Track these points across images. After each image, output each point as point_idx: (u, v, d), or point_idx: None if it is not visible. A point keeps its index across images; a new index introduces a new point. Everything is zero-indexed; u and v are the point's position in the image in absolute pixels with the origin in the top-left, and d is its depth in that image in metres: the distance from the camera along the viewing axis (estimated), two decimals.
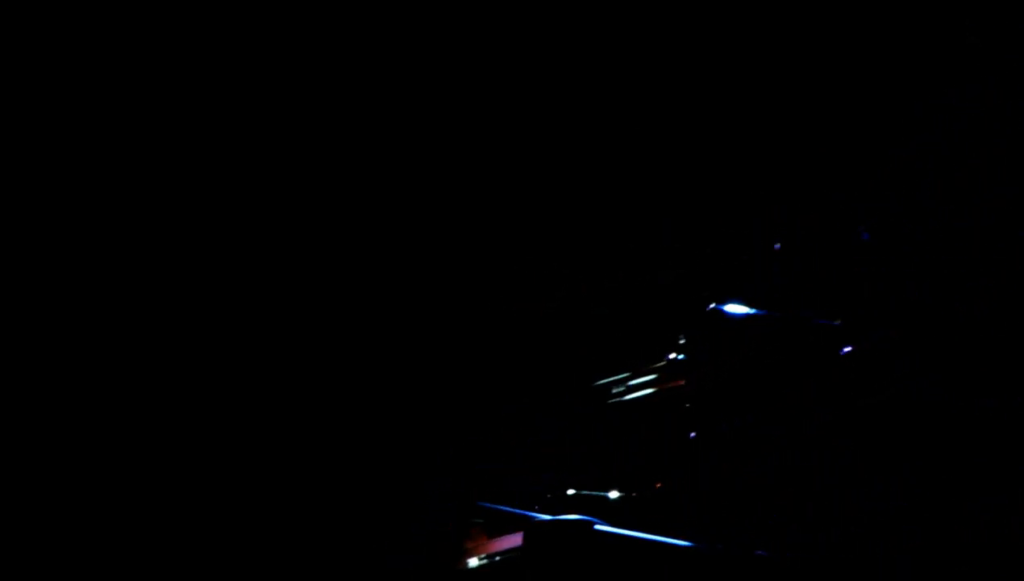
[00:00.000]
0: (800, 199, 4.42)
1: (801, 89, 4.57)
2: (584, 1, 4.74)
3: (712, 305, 3.91)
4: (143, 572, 4.40)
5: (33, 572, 4.35)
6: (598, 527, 3.26)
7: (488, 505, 3.82)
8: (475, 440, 4.53)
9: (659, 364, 4.01)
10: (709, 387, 3.89)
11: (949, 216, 3.99)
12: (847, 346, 3.73)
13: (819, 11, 4.54)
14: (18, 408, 4.48)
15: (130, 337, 4.61)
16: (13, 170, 4.59)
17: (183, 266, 4.68)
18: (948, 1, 4.35)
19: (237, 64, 4.72)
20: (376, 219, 4.81)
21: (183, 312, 4.66)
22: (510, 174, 4.82)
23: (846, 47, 4.50)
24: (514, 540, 3.54)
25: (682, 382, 3.90)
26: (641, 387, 4.06)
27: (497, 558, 3.63)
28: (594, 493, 3.75)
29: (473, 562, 3.71)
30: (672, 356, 3.97)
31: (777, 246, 4.03)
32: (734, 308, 3.91)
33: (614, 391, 4.14)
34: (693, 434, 3.79)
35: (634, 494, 3.74)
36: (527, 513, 3.61)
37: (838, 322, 3.78)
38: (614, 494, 3.78)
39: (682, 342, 3.95)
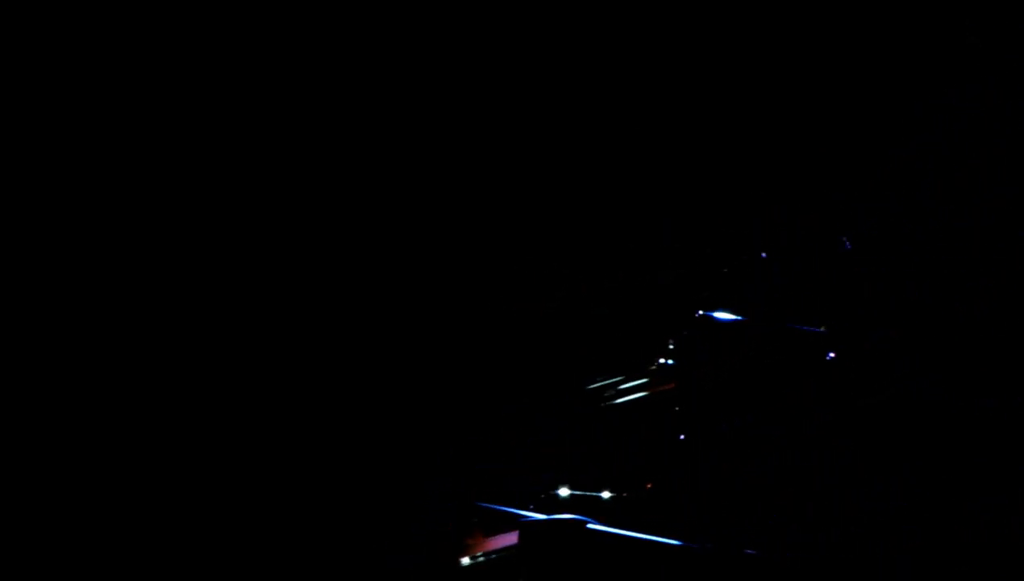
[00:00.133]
0: (800, 199, 4.42)
1: (801, 89, 4.57)
2: (584, 1, 4.74)
3: (704, 310, 3.93)
4: (143, 572, 4.40)
5: (33, 572, 4.35)
6: (591, 526, 3.32)
7: (485, 505, 3.87)
8: (475, 440, 4.53)
9: (654, 367, 4.03)
10: (707, 388, 3.90)
11: (949, 216, 3.99)
12: (842, 348, 3.73)
13: (819, 11, 4.54)
14: (18, 408, 4.48)
15: (130, 337, 4.61)
16: (13, 170, 4.59)
17: (183, 266, 4.68)
18: (948, 1, 4.35)
19: (237, 64, 4.72)
20: (376, 220, 4.81)
21: (183, 312, 4.66)
22: (510, 174, 4.82)
23: (846, 47, 4.50)
24: (510, 539, 3.57)
25: (674, 385, 3.94)
26: (636, 390, 4.08)
27: (493, 556, 3.67)
28: (588, 493, 3.79)
29: (470, 560, 3.76)
30: (663, 361, 4.00)
31: (764, 255, 4.05)
32: (727, 312, 3.93)
33: (609, 393, 4.16)
34: (683, 436, 3.81)
35: (625, 494, 3.78)
36: (523, 512, 3.65)
37: (835, 324, 3.79)
38: (607, 494, 3.82)
39: (672, 347, 3.98)
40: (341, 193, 4.80)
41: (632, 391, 4.07)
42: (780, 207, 4.42)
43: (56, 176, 4.63)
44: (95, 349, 4.57)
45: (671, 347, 3.99)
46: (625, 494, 3.80)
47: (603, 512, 3.59)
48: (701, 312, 3.90)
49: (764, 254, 4.02)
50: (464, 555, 3.81)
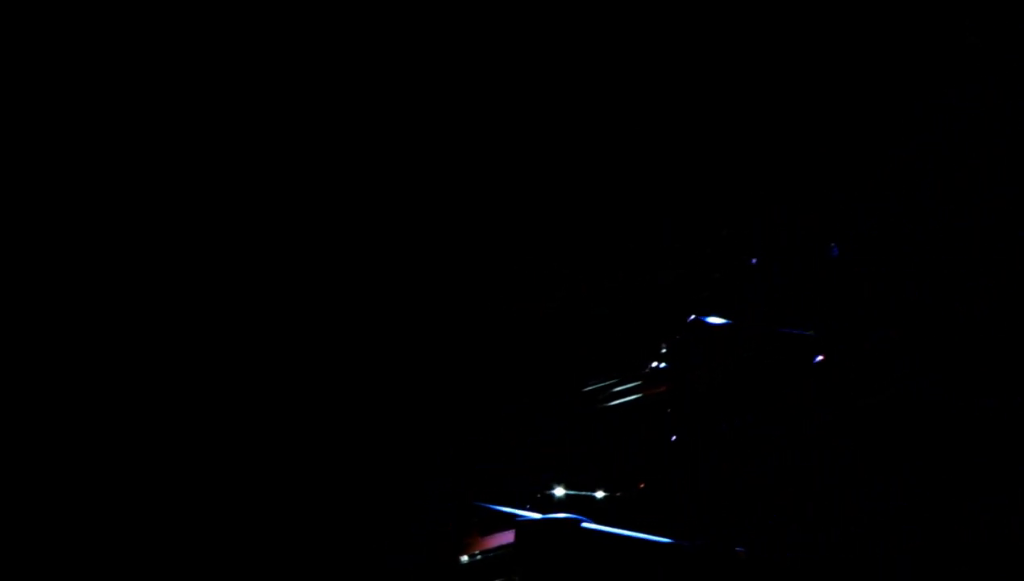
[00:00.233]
0: (800, 199, 4.42)
1: (801, 89, 4.57)
2: (585, 2, 4.74)
3: (701, 312, 3.95)
4: (143, 572, 4.40)
5: (33, 572, 4.35)
6: (585, 525, 3.39)
7: (482, 504, 3.91)
8: (475, 440, 4.53)
9: (648, 370, 4.05)
10: (702, 390, 3.91)
11: (949, 216, 3.98)
12: (842, 348, 3.73)
13: (819, 12, 4.54)
14: (18, 408, 4.48)
15: (130, 338, 4.61)
16: (13, 170, 4.59)
17: (184, 267, 4.68)
18: (948, 1, 4.35)
19: (237, 65, 4.72)
20: (377, 220, 4.81)
21: (184, 313, 4.66)
22: (510, 175, 4.82)
23: (846, 47, 4.50)
24: (507, 537, 3.63)
25: (667, 387, 3.97)
26: (630, 391, 4.10)
27: (491, 555, 3.73)
28: (583, 493, 3.84)
29: (468, 559, 3.82)
30: (656, 364, 4.02)
31: (753, 261, 4.06)
32: (722, 315, 3.95)
33: (605, 394, 4.17)
34: (678, 436, 3.84)
35: (619, 494, 3.83)
36: (519, 512, 3.70)
37: (827, 327, 3.79)
38: (601, 494, 3.87)
39: (664, 350, 4.00)
40: (342, 194, 4.80)
41: (627, 393, 4.09)
42: (780, 207, 4.42)
43: (56, 176, 4.63)
44: (95, 349, 4.57)
45: (664, 351, 4.01)
46: (619, 494, 3.85)
47: (597, 511, 3.64)
48: (694, 316, 3.93)
49: (754, 260, 4.04)
50: (463, 554, 3.87)
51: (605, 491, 3.85)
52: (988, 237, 3.84)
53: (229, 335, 4.67)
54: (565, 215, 4.78)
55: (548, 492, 3.89)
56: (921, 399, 3.56)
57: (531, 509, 3.82)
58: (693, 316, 3.94)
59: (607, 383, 4.16)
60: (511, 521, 3.59)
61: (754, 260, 4.05)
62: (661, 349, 4.02)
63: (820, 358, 3.74)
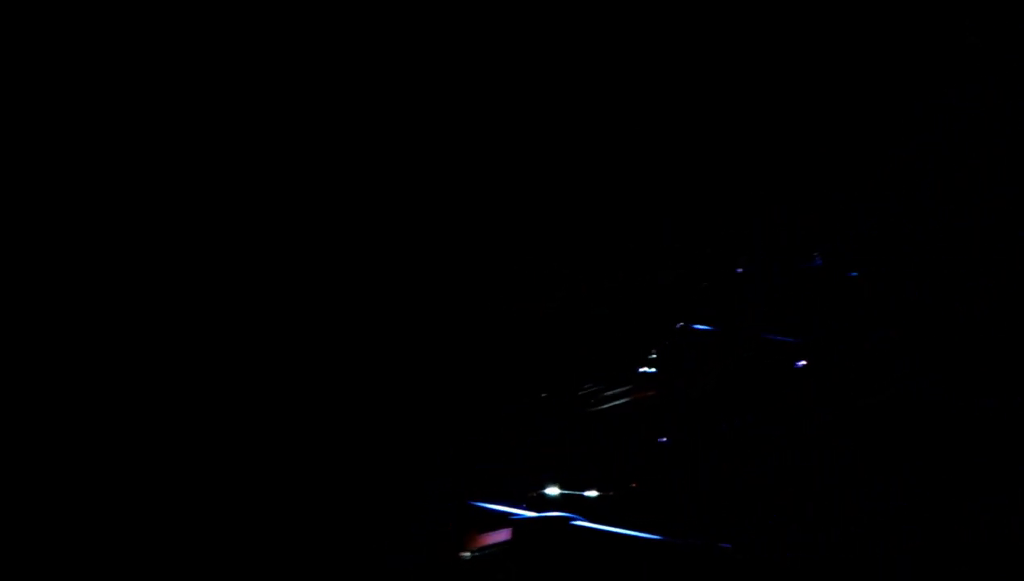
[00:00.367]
0: (800, 199, 4.42)
1: (801, 89, 4.57)
2: (584, 1, 4.74)
3: (692, 316, 3.98)
4: (143, 572, 4.40)
5: (33, 572, 4.35)
6: (577, 523, 3.49)
7: (479, 504, 3.97)
8: (475, 440, 4.54)
9: (639, 373, 4.08)
10: (694, 393, 3.93)
11: (949, 216, 3.99)
12: (839, 350, 3.74)
13: (819, 11, 4.54)
14: (18, 408, 4.48)
15: (129, 337, 4.61)
16: (13, 170, 4.59)
17: (182, 266, 4.68)
18: (948, 1, 4.35)
19: (237, 64, 4.72)
20: (376, 219, 4.81)
21: (183, 313, 4.66)
22: (510, 174, 4.82)
23: (846, 47, 4.50)
24: (502, 535, 3.71)
25: (655, 391, 4.01)
26: (622, 395, 4.13)
27: (487, 552, 3.81)
28: (576, 493, 3.91)
29: (465, 556, 3.91)
30: (646, 370, 4.06)
31: (738, 270, 4.09)
32: (718, 316, 3.98)
33: (600, 396, 4.20)
34: (670, 438, 3.88)
35: (610, 493, 3.88)
36: (514, 511, 3.77)
37: (812, 335, 3.81)
38: (594, 493, 3.93)
39: (656, 355, 4.04)
40: (340, 193, 4.80)
41: (619, 396, 4.12)
42: (780, 207, 4.42)
43: (56, 176, 4.63)
44: (95, 349, 4.57)
45: (654, 356, 4.04)
46: (610, 493, 3.91)
47: (589, 510, 3.72)
48: (682, 324, 3.98)
49: (739, 269, 4.08)
50: (462, 551, 3.94)
51: (597, 491, 3.91)
52: (988, 237, 3.85)
53: (228, 335, 4.67)
54: (565, 215, 4.78)
55: (542, 491, 3.96)
56: (921, 399, 3.57)
57: (526, 508, 3.88)
58: (681, 324, 3.99)
59: (600, 386, 4.20)
60: (507, 520, 3.66)
61: (739, 269, 4.08)
62: (653, 353, 4.06)
63: (802, 363, 3.75)
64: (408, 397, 4.69)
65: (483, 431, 4.55)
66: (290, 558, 4.47)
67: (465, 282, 4.81)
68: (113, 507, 4.46)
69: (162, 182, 4.71)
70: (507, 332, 4.75)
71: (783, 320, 3.92)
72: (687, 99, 4.71)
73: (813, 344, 3.82)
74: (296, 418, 4.63)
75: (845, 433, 3.63)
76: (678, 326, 3.98)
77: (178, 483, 4.50)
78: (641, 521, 3.63)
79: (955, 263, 3.83)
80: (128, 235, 4.67)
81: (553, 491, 3.96)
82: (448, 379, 4.72)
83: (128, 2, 4.63)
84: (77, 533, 4.42)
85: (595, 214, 4.77)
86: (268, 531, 4.48)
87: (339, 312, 4.76)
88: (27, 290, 4.56)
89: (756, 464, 3.71)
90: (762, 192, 4.53)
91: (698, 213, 4.65)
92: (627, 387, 4.10)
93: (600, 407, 4.17)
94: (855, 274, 3.95)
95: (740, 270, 4.09)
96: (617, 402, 4.12)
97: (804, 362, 3.80)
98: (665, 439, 3.91)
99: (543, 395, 4.45)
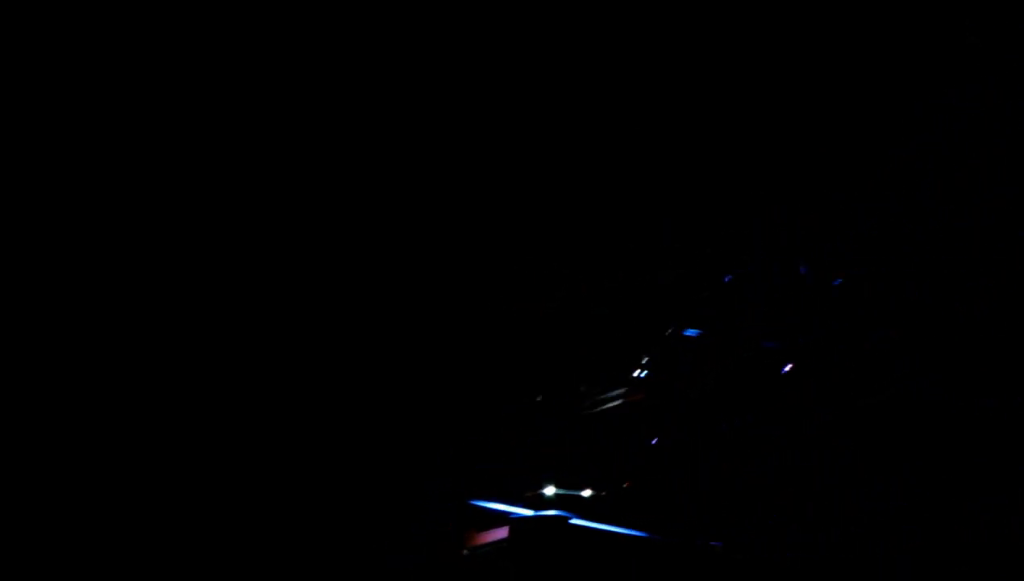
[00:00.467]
0: (800, 199, 4.42)
1: (801, 89, 4.57)
2: (584, 1, 4.74)
3: (689, 317, 4.01)
4: (143, 572, 4.40)
5: (33, 572, 4.35)
6: (573, 521, 3.57)
7: (478, 503, 4.01)
8: (475, 440, 4.54)
9: (631, 377, 4.10)
10: (681, 396, 3.94)
11: (949, 216, 3.99)
12: (839, 350, 3.75)
13: (819, 11, 4.54)
14: (18, 408, 4.48)
15: (129, 338, 4.61)
16: (13, 170, 4.59)
17: (183, 267, 4.68)
18: (948, 1, 4.35)
19: (237, 64, 4.72)
20: (376, 220, 4.81)
21: (183, 313, 4.66)
22: (510, 174, 4.82)
23: (846, 47, 4.50)
24: (500, 533, 3.77)
25: (646, 395, 4.04)
26: (616, 398, 4.14)
27: (486, 549, 3.87)
28: (571, 492, 3.96)
29: (467, 552, 3.97)
30: (639, 373, 4.08)
31: (728, 278, 4.10)
32: (717, 318, 4.00)
33: (593, 400, 4.21)
34: (654, 441, 3.90)
35: (603, 493, 3.92)
36: (512, 510, 3.81)
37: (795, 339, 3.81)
38: (588, 493, 3.97)
39: (647, 360, 4.06)
40: (340, 194, 4.80)
41: (613, 399, 4.15)
42: (780, 207, 4.42)
43: (56, 176, 4.64)
44: (94, 350, 4.57)
45: (648, 359, 4.06)
46: (604, 493, 3.94)
47: (584, 509, 3.77)
48: (672, 330, 4.01)
49: (728, 277, 4.10)
50: (462, 549, 4.00)
51: (592, 490, 3.96)
52: (988, 237, 3.85)
53: (228, 335, 4.67)
54: (565, 215, 4.78)
55: (539, 491, 4.01)
56: (921, 399, 3.57)
57: (523, 506, 3.92)
58: (671, 330, 4.02)
59: (597, 388, 4.22)
60: (504, 518, 3.73)
61: (728, 277, 4.10)
62: (646, 358, 4.09)
63: (802, 364, 3.76)
64: (408, 397, 4.69)
65: (483, 431, 4.55)
66: (290, 558, 4.47)
67: (465, 282, 4.81)
68: (113, 507, 4.46)
69: (162, 182, 4.71)
70: (507, 332, 4.75)
71: (782, 320, 3.93)
72: (687, 99, 4.71)
73: (812, 345, 3.82)
74: (296, 418, 4.63)
75: (845, 433, 3.63)
76: (668, 332, 4.00)
77: (178, 483, 4.50)
78: (635, 520, 3.68)
79: (955, 263, 3.83)
80: (128, 235, 4.67)
81: (550, 491, 4.01)
82: (448, 379, 4.72)
83: (128, 2, 4.63)
84: (77, 533, 4.42)
85: (595, 214, 4.77)
86: (268, 531, 4.48)
87: (339, 313, 4.76)
88: (27, 290, 4.56)
89: (756, 464, 3.71)
90: (762, 192, 4.53)
91: (698, 213, 4.65)
92: (623, 389, 4.12)
93: (597, 409, 4.18)
94: (850, 276, 3.96)
95: (733, 274, 4.11)
96: (613, 404, 4.14)
97: (802, 363, 3.80)
98: (655, 440, 3.93)
99: (542, 397, 4.45)
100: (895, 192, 4.19)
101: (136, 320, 4.63)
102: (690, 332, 4.01)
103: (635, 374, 4.09)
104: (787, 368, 3.79)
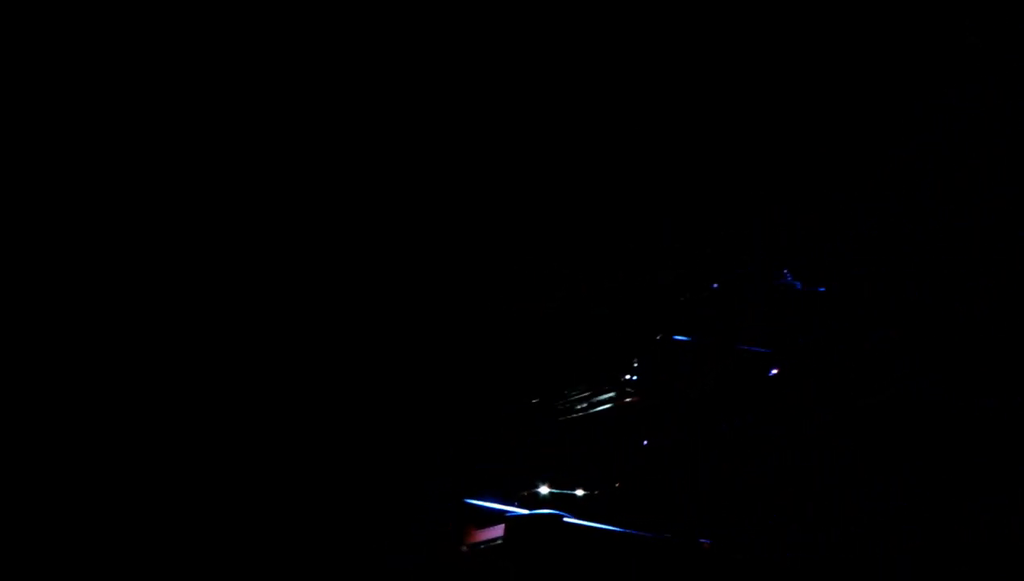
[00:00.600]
0: (800, 199, 4.42)
1: (801, 89, 4.57)
2: (584, 1, 4.74)
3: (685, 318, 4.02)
4: (143, 572, 4.40)
5: (33, 572, 4.35)
6: (567, 520, 3.64)
7: (474, 502, 4.04)
8: (475, 440, 4.54)
9: (623, 380, 4.12)
10: (671, 398, 3.96)
11: (949, 216, 3.99)
12: (842, 351, 3.75)
13: (819, 11, 4.54)
14: (18, 408, 4.48)
15: (129, 338, 4.61)
16: (13, 170, 4.59)
17: (183, 267, 4.68)
18: (948, 1, 4.35)
19: (237, 64, 4.72)
20: (376, 220, 4.81)
21: (183, 313, 4.66)
22: (510, 174, 4.82)
23: (846, 47, 4.50)
24: (496, 532, 3.82)
25: (637, 398, 4.07)
26: (607, 401, 4.16)
27: (481, 547, 3.91)
28: (565, 492, 4.00)
29: (465, 549, 4.03)
30: (628, 377, 4.10)
31: (715, 286, 4.11)
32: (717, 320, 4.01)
33: (593, 400, 4.23)
34: (645, 442, 3.93)
35: (596, 492, 3.95)
36: (507, 508, 3.85)
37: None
38: (581, 492, 4.00)
39: (637, 363, 4.09)
40: (341, 194, 4.80)
41: (609, 401, 4.17)
42: (780, 207, 4.43)
43: (56, 176, 4.64)
44: (94, 350, 4.57)
45: (639, 363, 4.08)
46: (596, 492, 3.98)
47: (578, 508, 3.82)
48: (660, 337, 4.03)
49: (715, 285, 4.13)
50: (460, 547, 4.04)
51: (585, 490, 3.99)
52: (988, 237, 3.85)
53: (228, 335, 4.67)
54: (565, 215, 4.78)
55: (534, 490, 4.04)
56: (921, 399, 3.56)
57: (518, 505, 3.96)
58: (660, 336, 4.04)
59: (593, 389, 4.25)
60: (500, 517, 3.83)
61: (715, 285, 4.11)
62: (637, 362, 4.11)
63: (788, 367, 3.77)
64: (408, 397, 4.69)
65: (483, 431, 4.55)
66: (290, 558, 4.47)
67: (465, 282, 4.81)
68: (113, 507, 4.45)
69: (163, 183, 4.71)
70: (507, 332, 4.75)
71: (781, 322, 3.93)
72: (687, 100, 4.71)
73: (812, 345, 3.82)
74: (297, 419, 4.63)
75: (845, 433, 3.63)
76: (668, 332, 4.01)
77: (179, 483, 4.50)
78: (629, 519, 3.71)
79: (955, 263, 3.83)
80: (128, 235, 4.67)
81: (543, 490, 4.06)
82: (448, 379, 4.72)
83: (128, 2, 4.63)
84: (77, 533, 4.41)
85: (595, 214, 4.78)
86: (269, 531, 4.48)
87: (340, 313, 4.76)
88: (27, 290, 4.56)
89: (756, 464, 3.71)
90: (762, 192, 4.53)
91: (698, 213, 4.65)
92: (615, 392, 4.15)
93: (593, 410, 4.20)
94: (850, 276, 3.96)
95: (733, 274, 4.12)
96: (607, 407, 4.16)
97: (802, 363, 3.80)
98: (648, 441, 3.95)
99: (538, 399, 4.46)
100: (895, 192, 4.19)
101: (136, 320, 4.63)
102: (688, 334, 4.02)
103: (633, 375, 4.10)
104: (787, 368, 3.78)
